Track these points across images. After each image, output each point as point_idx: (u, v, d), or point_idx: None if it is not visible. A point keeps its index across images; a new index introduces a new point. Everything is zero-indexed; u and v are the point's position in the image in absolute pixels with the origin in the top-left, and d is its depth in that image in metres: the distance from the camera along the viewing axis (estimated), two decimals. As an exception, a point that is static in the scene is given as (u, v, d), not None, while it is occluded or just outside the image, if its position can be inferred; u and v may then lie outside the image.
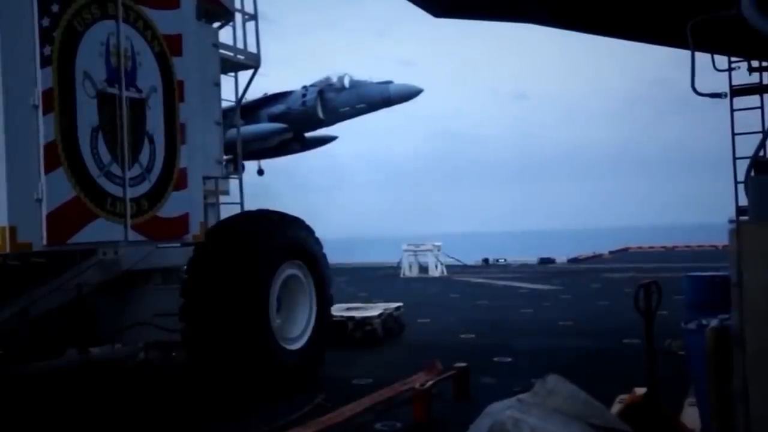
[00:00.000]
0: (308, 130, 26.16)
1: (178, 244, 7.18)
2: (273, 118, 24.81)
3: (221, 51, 8.36)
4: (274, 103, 25.36)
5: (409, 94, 25.49)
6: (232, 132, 9.72)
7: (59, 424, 6.43)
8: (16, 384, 7.87)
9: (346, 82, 25.47)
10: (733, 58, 9.51)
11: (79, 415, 6.64)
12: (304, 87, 25.76)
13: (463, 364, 6.80)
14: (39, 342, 7.47)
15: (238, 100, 9.23)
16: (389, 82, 25.55)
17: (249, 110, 25.10)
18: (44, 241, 5.32)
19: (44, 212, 5.28)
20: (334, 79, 25.68)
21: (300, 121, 25.12)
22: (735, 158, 9.69)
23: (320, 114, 25.10)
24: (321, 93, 25.20)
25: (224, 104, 8.66)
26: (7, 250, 5.14)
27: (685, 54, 5.46)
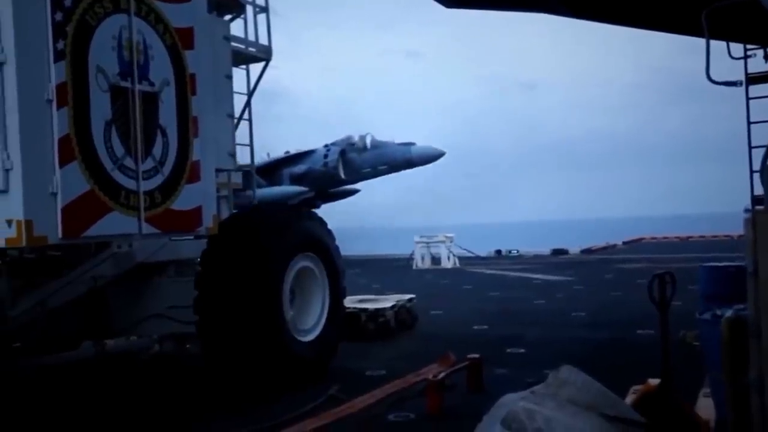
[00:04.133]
0: (330, 189, 26.72)
1: (192, 237, 7.22)
2: (295, 178, 25.33)
3: (233, 44, 8.36)
4: (295, 162, 25.86)
5: (432, 157, 26.05)
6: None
7: (72, 416, 6.50)
8: (31, 376, 7.96)
9: (368, 142, 25.87)
10: (748, 46, 9.38)
11: (94, 406, 6.71)
12: (326, 146, 26.23)
13: (476, 356, 6.80)
14: (55, 334, 7.55)
15: (250, 93, 9.24)
16: (411, 144, 26.01)
17: (271, 169, 25.75)
18: (60, 235, 5.37)
19: (59, 206, 5.33)
20: (356, 138, 26.07)
21: (321, 180, 25.70)
22: (750, 147, 9.57)
23: (342, 175, 25.64)
24: (342, 153, 25.60)
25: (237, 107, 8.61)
26: (24, 243, 5.19)
27: (698, 41, 5.40)
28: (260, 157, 24.29)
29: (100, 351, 8.84)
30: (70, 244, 5.92)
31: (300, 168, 25.73)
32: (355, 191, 28.65)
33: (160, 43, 6.26)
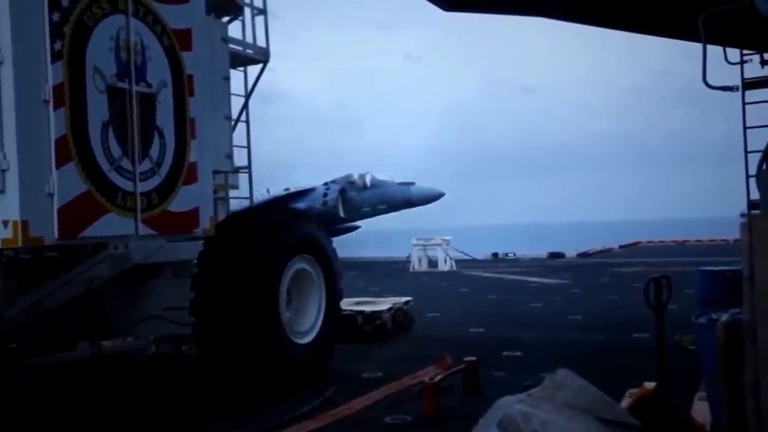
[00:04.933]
0: (329, 226, 26.65)
1: (189, 238, 7.21)
2: None
3: (230, 45, 8.37)
4: (295, 199, 25.84)
5: (431, 197, 26.00)
6: None
7: (68, 417, 6.48)
8: (28, 377, 7.93)
9: (368, 181, 25.78)
10: (745, 51, 9.42)
11: (91, 407, 6.69)
12: (326, 184, 26.18)
13: (472, 358, 6.80)
14: (51, 335, 7.53)
15: (248, 94, 9.25)
16: (411, 184, 25.91)
17: None
18: (56, 235, 5.35)
19: (56, 206, 5.31)
20: (356, 177, 25.98)
21: (321, 218, 25.60)
22: (746, 152, 9.62)
23: (341, 213, 25.54)
24: (342, 191, 25.52)
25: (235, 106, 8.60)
26: (20, 244, 5.18)
27: (696, 46, 5.41)
28: (260, 194, 24.36)
29: (97, 352, 8.81)
30: (66, 245, 5.90)
31: (299, 206, 25.79)
32: (355, 227, 28.59)
33: (158, 45, 6.26)
